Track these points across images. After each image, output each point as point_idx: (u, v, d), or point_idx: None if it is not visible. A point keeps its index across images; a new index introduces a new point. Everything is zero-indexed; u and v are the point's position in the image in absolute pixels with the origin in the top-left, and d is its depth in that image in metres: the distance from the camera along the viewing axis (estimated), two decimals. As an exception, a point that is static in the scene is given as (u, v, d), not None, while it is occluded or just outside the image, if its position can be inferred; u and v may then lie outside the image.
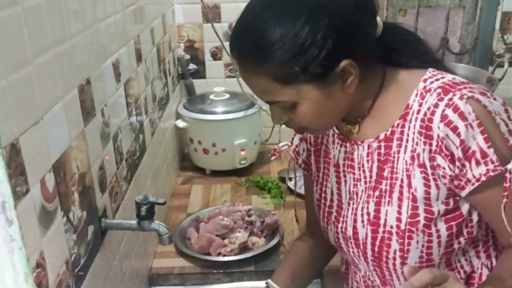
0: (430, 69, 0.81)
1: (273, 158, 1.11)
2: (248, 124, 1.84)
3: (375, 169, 0.84)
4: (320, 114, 0.78)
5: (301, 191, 1.67)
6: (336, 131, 0.90)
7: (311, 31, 0.70)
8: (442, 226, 0.79)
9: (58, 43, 0.73)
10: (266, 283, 1.01)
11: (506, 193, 0.71)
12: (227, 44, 1.93)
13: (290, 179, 1.77)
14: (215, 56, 2.02)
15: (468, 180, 0.74)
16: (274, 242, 1.40)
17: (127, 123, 1.14)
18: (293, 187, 1.73)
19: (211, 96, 1.88)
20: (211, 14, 1.93)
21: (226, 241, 1.40)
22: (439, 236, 0.79)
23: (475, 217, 0.80)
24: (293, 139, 1.04)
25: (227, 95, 1.88)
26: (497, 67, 1.77)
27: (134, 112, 1.20)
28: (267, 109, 1.97)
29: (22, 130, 0.61)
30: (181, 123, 1.83)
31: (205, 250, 1.38)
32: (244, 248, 1.39)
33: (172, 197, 1.74)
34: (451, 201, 0.78)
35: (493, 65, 1.87)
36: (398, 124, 0.81)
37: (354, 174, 0.88)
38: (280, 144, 1.10)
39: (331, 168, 0.92)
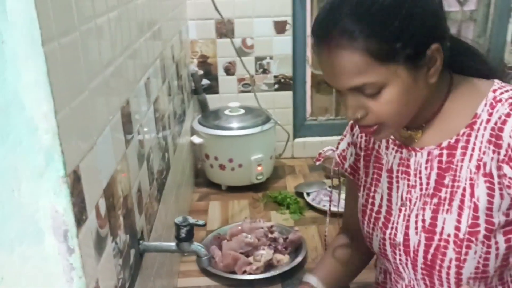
0: (497, 81, 0.82)
1: (318, 163, 1.11)
2: (264, 139, 1.84)
3: (433, 176, 0.83)
4: (403, 103, 0.76)
5: (320, 206, 1.68)
6: (391, 137, 0.90)
7: (412, 8, 0.71)
8: (500, 238, 0.78)
9: (106, 66, 0.72)
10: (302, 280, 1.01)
11: None
12: (243, 59, 1.95)
13: (308, 194, 1.77)
14: (228, 71, 2.02)
15: None
16: (299, 259, 1.39)
17: (156, 142, 1.13)
18: (311, 202, 1.73)
19: (226, 112, 1.88)
20: (225, 30, 1.93)
21: (250, 258, 1.38)
22: (497, 249, 0.78)
23: None
24: (339, 143, 1.04)
25: (242, 110, 1.88)
26: (510, 79, 1.78)
27: (161, 130, 1.20)
28: (282, 123, 1.98)
29: (82, 156, 0.60)
30: (196, 139, 1.82)
31: (230, 268, 1.36)
32: (269, 265, 1.38)
33: (191, 214, 1.72)
34: (511, 212, 0.78)
35: (505, 77, 1.88)
36: (464, 133, 0.80)
37: (408, 180, 0.87)
38: (325, 149, 1.10)
39: (383, 174, 0.92)
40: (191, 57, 1.99)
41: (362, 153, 0.98)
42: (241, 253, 1.39)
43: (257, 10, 1.91)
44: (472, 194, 0.79)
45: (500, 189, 0.77)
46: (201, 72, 2.00)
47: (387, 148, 0.92)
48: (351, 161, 1.01)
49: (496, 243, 0.78)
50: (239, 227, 1.50)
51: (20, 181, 0.53)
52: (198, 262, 0.89)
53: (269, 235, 1.46)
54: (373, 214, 0.94)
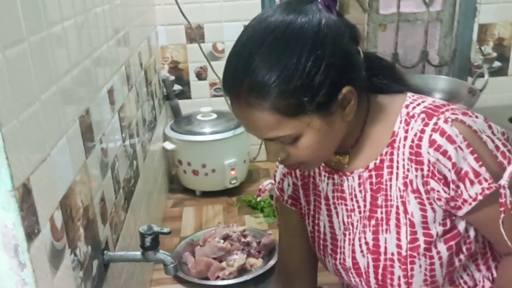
0: (409, 94, 0.82)
1: (259, 198, 1.10)
2: (237, 143, 1.84)
3: (368, 198, 0.84)
4: (321, 146, 0.77)
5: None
6: (322, 164, 0.89)
7: (316, 60, 0.70)
8: (442, 246, 0.80)
9: (60, 76, 0.72)
10: None
11: (503, 208, 0.74)
12: (212, 64, 1.95)
13: (282, 196, 1.77)
14: (200, 76, 2.02)
15: (465, 200, 0.75)
16: (272, 262, 1.39)
17: (122, 150, 1.12)
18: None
19: (198, 117, 1.87)
20: (195, 35, 1.93)
21: (223, 264, 1.38)
22: (440, 258, 0.80)
23: (471, 233, 0.81)
24: (275, 175, 1.01)
25: (214, 115, 1.87)
26: (477, 78, 1.82)
27: (128, 138, 1.18)
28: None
29: (33, 169, 0.59)
30: (169, 145, 1.81)
31: (203, 274, 1.36)
32: (242, 270, 1.38)
33: (164, 221, 1.71)
34: (448, 221, 0.79)
35: (472, 76, 1.92)
36: (386, 152, 0.81)
37: (346, 205, 0.87)
38: (265, 183, 1.09)
39: (322, 201, 0.91)
40: (162, 62, 1.98)
41: (299, 182, 0.96)
42: (214, 258, 1.39)
43: (226, 14, 1.91)
44: (405, 211, 0.80)
45: (430, 203, 0.78)
46: (172, 77, 1.99)
47: (320, 175, 0.91)
48: (290, 191, 0.98)
49: (438, 252, 0.80)
50: (212, 232, 1.50)
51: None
52: (165, 271, 0.87)
53: (242, 240, 1.46)
54: (321, 242, 0.94)
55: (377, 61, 0.85)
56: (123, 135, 1.13)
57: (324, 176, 0.89)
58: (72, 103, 0.77)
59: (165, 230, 0.88)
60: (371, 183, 0.83)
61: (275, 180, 1.02)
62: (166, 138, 1.85)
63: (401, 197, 0.80)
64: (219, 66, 1.99)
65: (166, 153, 1.88)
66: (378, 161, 0.82)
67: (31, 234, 0.57)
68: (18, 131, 0.55)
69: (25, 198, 0.56)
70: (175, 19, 1.85)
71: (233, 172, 1.82)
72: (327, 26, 0.72)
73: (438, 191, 0.76)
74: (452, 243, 0.80)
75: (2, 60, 0.53)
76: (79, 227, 0.75)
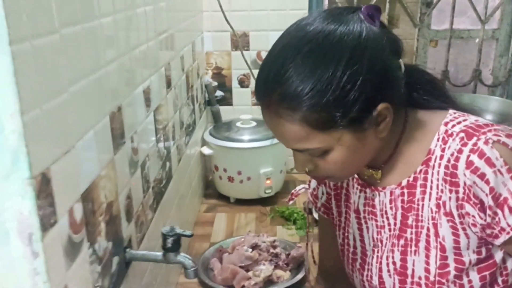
0: (451, 111, 0.78)
1: (290, 202, 1.08)
2: (274, 152, 1.81)
3: (399, 217, 0.80)
4: (351, 162, 0.74)
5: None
6: (356, 175, 0.86)
7: (352, 74, 0.67)
8: (474, 276, 0.74)
9: (92, 71, 0.72)
10: None
11: None
12: (255, 72, 1.95)
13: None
14: (242, 83, 2.02)
15: (503, 229, 0.69)
16: (299, 276, 1.35)
17: (155, 150, 1.12)
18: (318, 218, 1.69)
19: (238, 124, 1.87)
20: (240, 42, 1.94)
21: (250, 273, 1.35)
22: (471, 287, 0.74)
23: (510, 264, 0.75)
24: (310, 181, 1.00)
25: (254, 123, 1.87)
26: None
27: (162, 139, 1.19)
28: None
29: (54, 159, 0.59)
30: (206, 150, 1.81)
31: (228, 282, 1.34)
32: (268, 281, 1.35)
33: (196, 225, 1.71)
34: (483, 249, 0.74)
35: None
36: (421, 170, 0.77)
37: (376, 221, 0.84)
38: (297, 188, 1.06)
39: (351, 214, 0.88)
40: (206, 68, 2.00)
41: (333, 192, 0.93)
42: (241, 267, 1.36)
43: (272, 23, 1.91)
44: (436, 234, 0.75)
45: (464, 228, 0.73)
46: (215, 83, 2.01)
47: (353, 187, 0.88)
48: (323, 200, 0.96)
49: (470, 282, 0.74)
50: (242, 240, 1.48)
51: (-16, 180, 0.52)
52: (185, 274, 0.86)
53: (271, 250, 1.43)
54: (350, 255, 0.90)
55: (419, 75, 0.81)
56: (157, 136, 1.14)
57: (357, 188, 0.86)
58: (104, 98, 0.77)
59: (187, 232, 0.87)
60: (402, 201, 0.79)
61: (309, 186, 1.00)
62: (204, 143, 1.86)
63: (433, 218, 0.75)
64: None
65: (204, 158, 1.88)
66: (411, 179, 0.78)
67: (46, 224, 0.57)
68: (41, 120, 0.56)
69: (43, 187, 0.56)
70: (222, 26, 1.87)
71: (268, 182, 1.80)
72: (367, 39, 0.69)
73: (473, 216, 0.71)
74: (487, 273, 0.74)
75: (29, 48, 0.53)
76: (100, 222, 0.75)
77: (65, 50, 0.62)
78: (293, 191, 1.07)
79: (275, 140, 1.84)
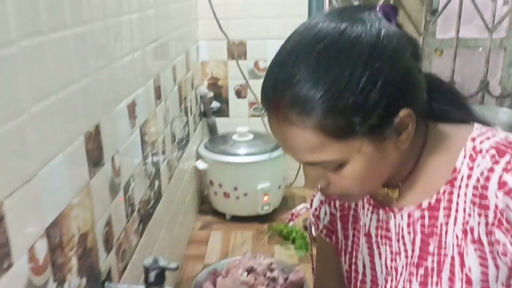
0: (476, 125, 0.69)
1: (291, 224, 0.99)
2: (273, 167, 1.73)
3: (418, 243, 0.71)
4: (369, 176, 0.66)
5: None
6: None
7: (372, 74, 0.59)
8: None
9: (63, 86, 0.64)
10: None
11: None
12: (252, 82, 1.88)
13: (317, 228, 1.64)
14: (240, 94, 1.94)
15: None
16: (298, 303, 1.25)
17: (141, 170, 1.04)
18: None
19: (234, 137, 1.78)
20: (237, 51, 1.86)
21: (245, 299, 1.26)
22: None
23: None
24: (312, 201, 0.90)
25: (251, 136, 1.78)
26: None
27: (150, 156, 1.11)
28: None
29: (9, 192, 0.51)
30: (201, 165, 1.73)
31: (222, 309, 1.24)
32: (265, 308, 1.25)
33: (189, 244, 1.62)
34: None
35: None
36: (444, 191, 0.68)
37: (391, 246, 0.75)
38: (298, 207, 0.98)
39: (361, 238, 0.80)
40: (201, 78, 1.92)
41: (338, 214, 0.84)
42: (236, 292, 1.27)
43: (270, 31, 1.83)
44: (462, 264, 0.66)
45: (494, 258, 0.64)
46: (211, 94, 1.93)
47: (363, 207, 0.79)
48: (326, 221, 0.86)
49: None
50: (237, 262, 1.38)
51: None
52: (170, 310, 0.77)
53: (268, 274, 1.33)
54: (358, 284, 0.81)
55: (438, 83, 0.73)
56: (144, 154, 1.05)
57: (368, 209, 0.77)
58: (76, 117, 0.69)
59: (173, 265, 0.78)
60: (422, 225, 0.70)
61: (311, 205, 0.91)
62: (199, 156, 1.77)
63: (458, 246, 0.66)
64: (260, 85, 1.91)
65: (198, 172, 1.80)
66: (433, 200, 0.69)
67: (6, 265, 0.48)
68: (-10, 148, 0.47)
69: (-6, 226, 0.48)
70: (218, 35, 1.79)
71: (266, 198, 1.71)
72: (387, 37, 0.61)
73: (504, 244, 0.62)
74: None
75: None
76: (71, 257, 0.67)
77: (25, 64, 0.54)
78: (293, 211, 0.99)
79: (274, 154, 1.76)
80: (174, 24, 1.42)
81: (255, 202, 1.71)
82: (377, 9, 0.64)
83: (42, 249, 0.58)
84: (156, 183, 1.17)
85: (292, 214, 1.06)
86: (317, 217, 0.89)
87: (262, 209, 1.72)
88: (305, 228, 1.67)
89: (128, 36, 0.94)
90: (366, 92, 0.59)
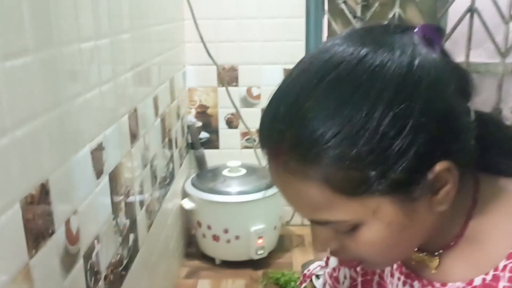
0: None
1: (303, 286, 0.82)
2: (267, 206, 1.55)
3: None
4: (392, 244, 0.51)
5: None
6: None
7: (397, 116, 0.45)
8: None
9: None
10: None
11: None
12: (244, 111, 1.71)
13: (318, 277, 1.45)
14: (231, 124, 1.77)
15: None
16: None
17: (110, 226, 0.86)
18: (321, 289, 1.41)
19: (224, 172, 1.61)
20: (228, 77, 1.70)
21: None
22: None
23: None
24: (328, 258, 0.74)
25: (243, 171, 1.61)
26: None
27: (123, 208, 0.92)
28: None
29: None
30: (187, 204, 1.55)
31: None
32: None
33: (173, 297, 1.42)
34: None
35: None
36: (505, 267, 0.52)
37: None
38: (312, 267, 0.81)
39: None
40: (189, 107, 1.75)
41: (359, 279, 0.69)
42: None
43: (265, 56, 1.67)
44: None
45: None
46: (199, 124, 1.75)
47: (392, 275, 0.63)
48: (346, 286, 0.71)
49: None
50: (228, 323, 1.19)
51: None
52: None
53: None
54: None
55: (495, 127, 0.57)
56: (114, 206, 0.87)
57: (399, 279, 0.61)
58: (8, 177, 0.51)
59: None
60: None
61: (326, 264, 0.74)
62: (185, 194, 1.59)
63: None
64: (253, 114, 1.76)
65: (185, 212, 1.61)
66: (489, 278, 0.52)
67: None
68: None
69: None
70: (207, 59, 1.63)
71: (260, 241, 1.52)
72: (422, 68, 0.46)
73: None
74: None
75: None
76: None
77: None
78: (305, 271, 0.82)
79: (268, 192, 1.57)
80: (156, 48, 1.25)
81: (248, 245, 1.52)
82: (415, 30, 0.49)
83: None
84: (131, 237, 0.99)
85: (304, 275, 0.90)
86: (336, 280, 0.73)
87: (256, 253, 1.53)
88: (305, 278, 1.48)
89: (93, 65, 0.77)
90: (387, 140, 0.45)
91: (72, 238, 0.67)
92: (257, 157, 1.61)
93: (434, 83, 0.47)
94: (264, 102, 1.68)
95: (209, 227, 1.53)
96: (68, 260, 0.66)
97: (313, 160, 0.46)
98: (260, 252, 1.54)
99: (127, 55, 0.97)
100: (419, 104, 0.45)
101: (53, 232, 0.61)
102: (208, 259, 1.60)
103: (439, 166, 0.46)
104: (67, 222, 0.66)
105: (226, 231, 1.51)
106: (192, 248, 1.69)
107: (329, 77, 0.47)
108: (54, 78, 0.62)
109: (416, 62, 0.47)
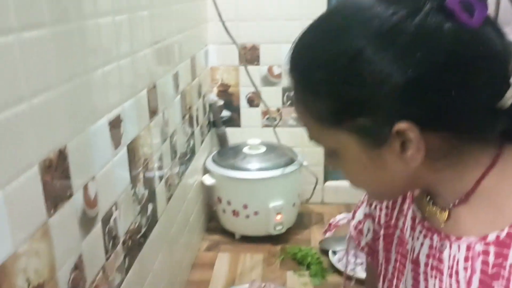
0: None
1: (328, 234, 0.85)
2: (286, 183, 1.58)
3: (475, 283, 0.56)
4: (364, 179, 0.60)
5: (347, 269, 1.38)
6: (418, 213, 0.65)
7: (363, 65, 0.50)
8: None
9: (8, 104, 0.50)
10: None
11: None
12: (264, 90, 1.73)
13: (335, 252, 1.48)
14: (252, 102, 1.79)
15: None
16: None
17: (129, 195, 0.90)
18: (336, 263, 1.44)
19: (245, 149, 1.64)
20: (249, 56, 1.71)
21: (251, 338, 1.11)
22: None
23: None
24: (355, 212, 0.79)
25: (263, 148, 1.63)
26: None
27: (140, 179, 0.97)
28: (311, 163, 1.70)
29: None
30: (208, 180, 1.59)
31: None
32: None
33: (194, 268, 1.47)
34: None
35: None
36: None
37: (441, 281, 0.60)
38: (338, 217, 0.85)
39: (407, 264, 0.66)
40: (211, 85, 1.78)
41: (382, 231, 0.72)
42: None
43: (286, 35, 1.67)
44: None
45: None
46: (221, 102, 1.79)
47: (412, 228, 0.65)
48: (369, 238, 0.76)
49: None
50: (243, 293, 1.24)
51: None
52: None
53: (278, 308, 1.18)
54: None
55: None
56: (132, 175, 0.91)
57: (421, 232, 0.64)
58: (25, 141, 0.55)
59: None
60: (485, 263, 0.55)
61: (353, 217, 0.79)
62: (206, 171, 1.63)
63: None
64: (274, 92, 1.77)
65: (206, 188, 1.65)
66: (503, 234, 0.54)
67: None
68: None
69: None
70: (228, 38, 1.64)
71: (278, 217, 1.55)
72: (419, 27, 0.49)
73: None
74: None
75: None
76: (15, 320, 0.53)
77: None
78: (331, 221, 0.86)
79: (288, 169, 1.60)
80: (177, 26, 1.28)
81: (266, 221, 1.56)
82: None
83: None
84: (150, 206, 1.03)
85: (330, 225, 0.93)
86: (360, 232, 0.78)
87: (274, 229, 1.56)
88: (322, 251, 1.50)
89: (111, 40, 0.81)
90: (357, 83, 0.51)
91: (90, 202, 0.72)
92: (277, 136, 1.63)
93: (414, 44, 0.49)
94: (285, 81, 1.69)
95: (229, 203, 1.57)
96: (86, 222, 0.71)
97: (300, 87, 0.56)
98: (278, 227, 1.57)
99: (146, 32, 1.00)
100: (390, 59, 0.49)
101: (71, 195, 0.66)
102: (228, 234, 1.65)
103: (398, 126, 0.51)
104: (85, 187, 0.70)
105: (245, 206, 1.55)
106: (213, 222, 1.73)
107: (331, 17, 0.56)
108: (70, 51, 0.66)
109: (417, 20, 0.49)
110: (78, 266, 0.68)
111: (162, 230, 1.12)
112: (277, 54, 1.71)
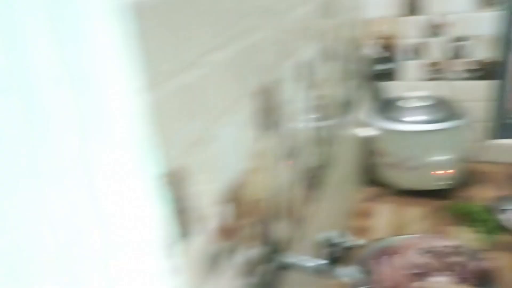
0: None
1: None
2: (452, 138, 1.51)
3: None
4: None
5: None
6: None
7: None
8: None
9: (230, 42, 0.58)
10: None
11: None
12: (428, 41, 1.65)
13: (504, 211, 1.39)
14: (414, 54, 1.73)
15: None
16: (487, 297, 1.07)
17: (311, 134, 0.96)
18: (506, 222, 1.35)
19: (406, 102, 1.60)
20: (411, 6, 1.64)
21: (420, 284, 1.12)
22: None
23: None
24: None
25: (427, 102, 1.57)
26: None
27: (318, 121, 1.02)
28: (478, 120, 1.60)
29: (189, 151, 0.46)
30: (367, 132, 1.59)
31: (393, 292, 1.12)
32: (444, 297, 1.10)
33: (352, 218, 1.51)
34: None
35: None
36: None
37: None
38: None
39: None
40: (370, 37, 1.75)
41: None
42: (410, 275, 1.14)
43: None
44: None
45: None
46: (381, 55, 1.75)
47: None
48: None
49: None
50: (411, 242, 1.24)
51: (103, 182, 0.41)
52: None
53: (453, 258, 1.16)
54: None
55: None
56: (313, 117, 0.97)
57: None
58: (249, 74, 0.63)
59: (360, 241, 0.69)
60: None
61: None
62: (365, 123, 1.64)
63: None
64: (437, 44, 1.68)
65: (362, 141, 1.66)
66: None
67: (185, 233, 0.44)
68: (171, 101, 0.42)
69: (179, 186, 0.43)
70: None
71: (441, 172, 1.50)
72: None
73: None
74: None
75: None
76: (247, 224, 0.62)
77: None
78: None
79: (455, 123, 1.53)
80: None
81: (428, 175, 1.52)
82: None
83: (223, 215, 0.53)
84: (325, 149, 1.09)
85: None
86: None
87: (436, 184, 1.52)
88: (489, 210, 1.42)
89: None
90: None
91: (289, 136, 0.79)
92: (440, 89, 1.56)
93: None
94: (451, 31, 1.59)
95: (389, 155, 1.56)
96: (288, 153, 0.78)
97: None
98: (441, 183, 1.52)
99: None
100: None
101: (276, 126, 0.73)
102: (387, 187, 1.64)
103: None
104: (283, 120, 0.77)
105: (406, 160, 1.53)
106: (368, 176, 1.74)
107: None
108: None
109: None
110: (279, 192, 0.76)
111: (332, 174, 1.17)
112: (442, 3, 1.61)
